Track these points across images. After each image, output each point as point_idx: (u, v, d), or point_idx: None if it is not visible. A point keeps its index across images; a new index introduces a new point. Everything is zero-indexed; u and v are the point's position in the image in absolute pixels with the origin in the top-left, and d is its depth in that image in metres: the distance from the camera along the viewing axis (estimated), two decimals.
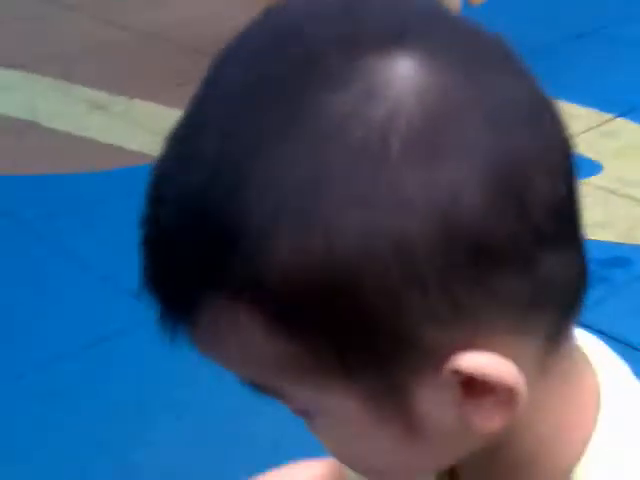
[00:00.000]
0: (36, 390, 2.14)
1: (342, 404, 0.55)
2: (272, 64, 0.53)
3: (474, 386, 0.53)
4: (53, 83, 3.83)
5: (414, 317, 0.51)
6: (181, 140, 0.55)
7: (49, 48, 4.22)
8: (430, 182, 0.49)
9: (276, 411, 0.66)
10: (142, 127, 3.37)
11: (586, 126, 3.09)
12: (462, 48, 0.53)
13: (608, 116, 3.17)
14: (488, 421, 0.55)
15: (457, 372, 0.52)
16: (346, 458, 0.63)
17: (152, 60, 4.03)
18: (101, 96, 3.67)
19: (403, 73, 0.50)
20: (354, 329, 0.51)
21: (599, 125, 3.11)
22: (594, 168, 2.81)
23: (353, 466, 0.64)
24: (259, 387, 0.58)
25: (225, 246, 0.51)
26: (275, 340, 0.53)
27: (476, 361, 0.52)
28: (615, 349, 0.65)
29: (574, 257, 0.56)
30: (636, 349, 2.15)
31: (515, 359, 0.53)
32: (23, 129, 3.47)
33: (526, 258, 0.52)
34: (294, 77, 0.51)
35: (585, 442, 0.59)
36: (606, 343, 0.65)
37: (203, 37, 4.16)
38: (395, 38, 0.52)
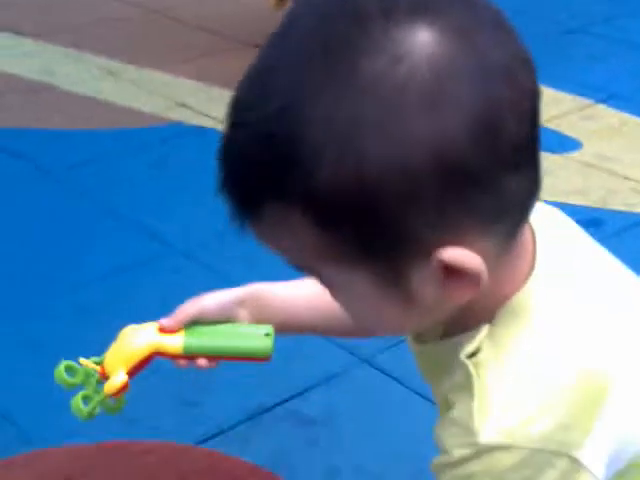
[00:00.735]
0: (69, 309, 2.32)
1: (359, 281, 0.75)
2: (331, 27, 0.69)
3: (452, 271, 0.73)
4: (65, 51, 3.94)
5: (414, 221, 0.70)
6: (260, 74, 0.71)
7: (59, 19, 4.34)
8: (433, 124, 0.67)
9: None
10: (154, 93, 3.50)
11: (568, 109, 3.30)
12: (467, 18, 0.71)
13: (589, 102, 3.37)
14: (460, 295, 0.75)
15: (441, 261, 0.72)
16: (358, 318, 0.83)
17: (157, 35, 4.15)
18: (112, 64, 3.79)
19: (421, 44, 0.68)
20: (373, 228, 0.70)
21: (580, 109, 3.31)
22: (574, 145, 3.00)
23: (361, 323, 0.84)
24: (301, 268, 0.78)
25: (288, 165, 0.69)
26: (317, 234, 0.72)
27: (454, 254, 0.71)
28: None
29: (531, 177, 0.74)
30: None
31: (481, 253, 0.72)
32: (41, 89, 3.58)
33: (494, 181, 0.70)
34: (347, 40, 0.68)
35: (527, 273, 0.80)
36: None
37: (203, 16, 4.34)
38: (420, 11, 0.69)
